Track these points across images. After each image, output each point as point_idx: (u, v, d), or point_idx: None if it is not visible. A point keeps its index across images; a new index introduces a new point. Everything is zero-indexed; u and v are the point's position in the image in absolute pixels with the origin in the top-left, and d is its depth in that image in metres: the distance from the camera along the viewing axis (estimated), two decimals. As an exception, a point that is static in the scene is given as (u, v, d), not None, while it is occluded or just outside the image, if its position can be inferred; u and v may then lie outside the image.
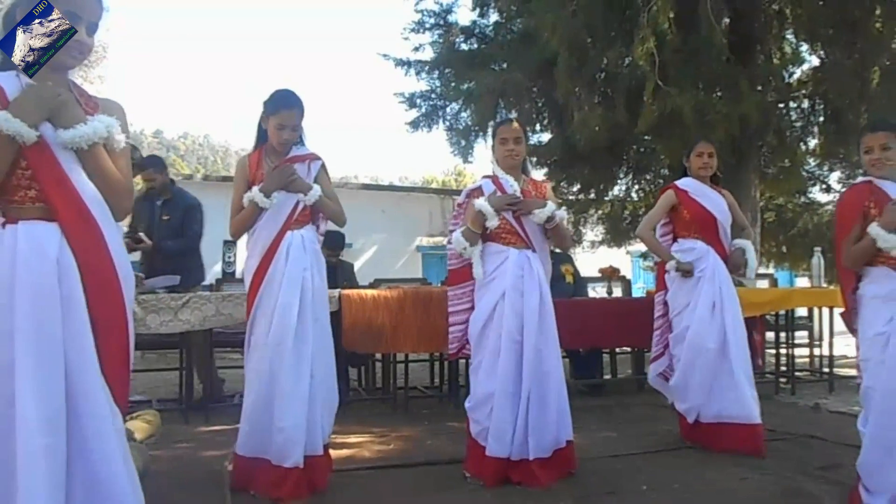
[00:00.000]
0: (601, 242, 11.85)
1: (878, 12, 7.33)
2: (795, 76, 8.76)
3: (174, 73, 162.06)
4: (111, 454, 1.85)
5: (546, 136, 9.77)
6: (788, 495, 3.04)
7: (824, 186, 10.88)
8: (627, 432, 4.32)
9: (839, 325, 3.72)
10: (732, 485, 3.21)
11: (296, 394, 2.95)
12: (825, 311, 6.04)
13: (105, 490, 1.84)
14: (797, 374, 6.10)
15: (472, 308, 3.39)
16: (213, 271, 6.12)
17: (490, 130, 7.14)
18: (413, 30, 9.70)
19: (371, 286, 5.55)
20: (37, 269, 1.82)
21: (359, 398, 5.51)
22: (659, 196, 4.20)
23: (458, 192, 11.53)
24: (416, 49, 9.84)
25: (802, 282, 13.36)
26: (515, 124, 3.44)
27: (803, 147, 8.98)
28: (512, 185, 3.37)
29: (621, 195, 10.82)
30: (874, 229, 2.71)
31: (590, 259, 10.29)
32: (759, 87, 7.65)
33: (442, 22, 9.69)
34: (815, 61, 8.68)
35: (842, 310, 3.03)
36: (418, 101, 9.83)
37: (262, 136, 3.21)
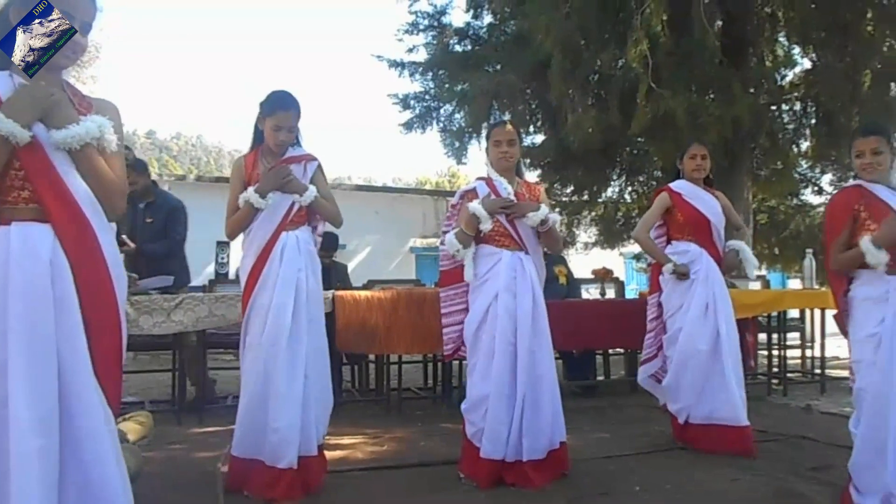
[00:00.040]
0: (594, 244, 11.87)
1: (869, 15, 7.38)
2: (788, 79, 8.81)
3: (167, 74, 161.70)
4: (104, 455, 1.85)
5: (539, 138, 9.79)
6: (780, 496, 3.05)
7: (816, 188, 10.93)
8: (620, 433, 4.33)
9: (831, 326, 3.74)
10: (724, 485, 3.23)
11: (290, 394, 2.95)
12: (817, 312, 6.07)
13: (97, 491, 1.83)
14: (789, 375, 6.13)
15: (467, 309, 3.39)
16: (206, 272, 6.12)
17: (484, 132, 7.16)
18: (407, 31, 9.70)
19: (364, 287, 5.55)
20: (30, 270, 1.82)
21: (352, 399, 5.51)
22: (653, 198, 4.21)
23: (451, 194, 11.53)
24: (410, 50, 9.86)
25: (794, 283, 13.41)
26: (509, 126, 3.45)
27: (795, 149, 9.01)
28: (506, 188, 3.38)
29: (614, 197, 10.85)
30: (865, 244, 2.70)
31: (583, 260, 10.31)
32: (752, 90, 7.69)
33: (436, 23, 9.68)
34: (808, 64, 8.75)
35: (834, 312, 3.04)
36: (412, 102, 9.83)
37: (258, 136, 3.21)
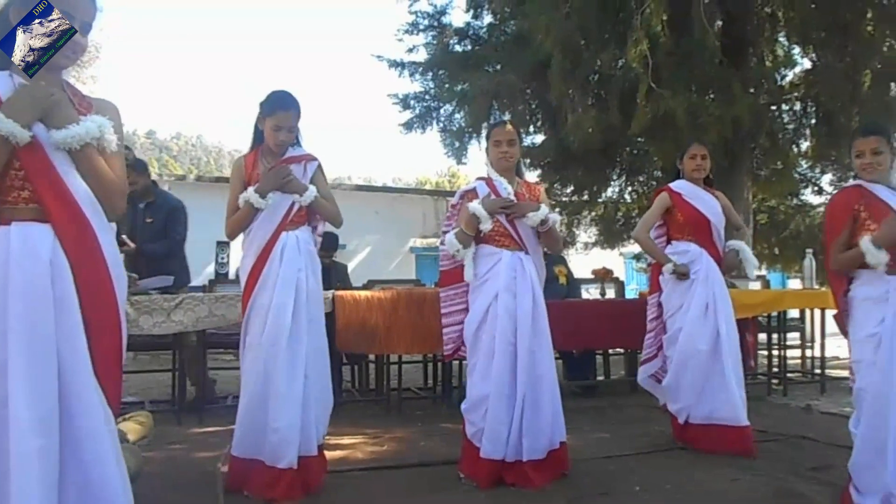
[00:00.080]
0: (594, 244, 11.87)
1: (869, 15, 7.38)
2: (788, 79, 8.81)
3: (167, 74, 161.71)
4: (104, 455, 1.85)
5: (539, 138, 9.79)
6: (780, 496, 3.05)
7: (816, 188, 10.93)
8: (620, 433, 4.33)
9: (831, 326, 3.74)
10: (724, 485, 3.23)
11: (290, 394, 2.95)
12: (817, 312, 6.07)
13: (97, 491, 1.83)
14: (789, 375, 6.13)
15: (467, 309, 3.39)
16: (206, 272, 6.12)
17: (484, 132, 7.15)
18: (407, 31, 9.70)
19: (364, 287, 5.55)
20: (30, 270, 1.82)
21: (352, 399, 5.51)
22: (653, 198, 4.21)
23: (451, 194, 11.53)
24: (410, 50, 9.86)
25: (794, 283, 13.41)
26: (509, 126, 3.45)
27: (795, 149, 9.01)
28: (506, 188, 3.38)
29: (614, 197, 10.85)
30: (865, 244, 2.70)
31: (583, 260, 10.31)
32: (752, 90, 7.69)
33: (436, 23, 9.68)
34: (808, 64, 8.75)
35: (834, 311, 3.04)
36: (412, 102, 9.83)
37: (258, 136, 3.21)
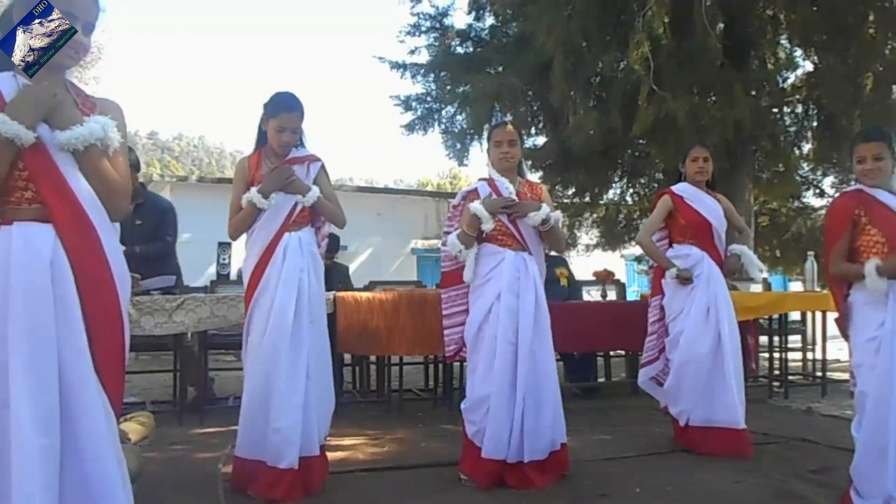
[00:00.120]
0: (596, 246, 11.88)
1: (871, 18, 7.38)
2: (789, 81, 8.82)
3: (169, 75, 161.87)
4: (104, 455, 1.85)
5: (541, 140, 9.80)
6: (781, 498, 3.05)
7: (818, 191, 10.91)
8: (621, 435, 4.33)
9: (832, 329, 3.74)
10: (725, 487, 3.23)
11: (291, 395, 2.95)
12: (818, 315, 6.06)
13: (96, 490, 1.83)
14: (790, 377, 6.12)
15: (469, 310, 3.39)
16: (208, 273, 6.12)
17: (485, 133, 7.16)
18: (409, 33, 9.70)
19: (366, 289, 5.55)
20: (30, 270, 1.82)
21: (353, 400, 5.51)
22: (655, 201, 4.21)
23: (453, 195, 11.54)
24: (412, 52, 9.84)
25: (796, 286, 13.39)
26: (510, 127, 3.45)
27: (797, 152, 9.01)
28: (507, 188, 3.38)
29: (616, 199, 10.84)
30: (870, 269, 2.70)
31: (584, 262, 10.31)
32: (754, 92, 7.69)
33: (438, 25, 9.69)
34: (809, 66, 8.74)
35: (835, 315, 3.05)
36: (414, 103, 9.83)
37: (261, 137, 3.21)
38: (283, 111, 3.08)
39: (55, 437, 1.78)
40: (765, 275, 8.42)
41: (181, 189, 15.75)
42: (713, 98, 7.39)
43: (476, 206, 3.27)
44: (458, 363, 4.93)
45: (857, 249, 2.88)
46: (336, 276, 6.12)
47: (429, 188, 32.42)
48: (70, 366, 1.82)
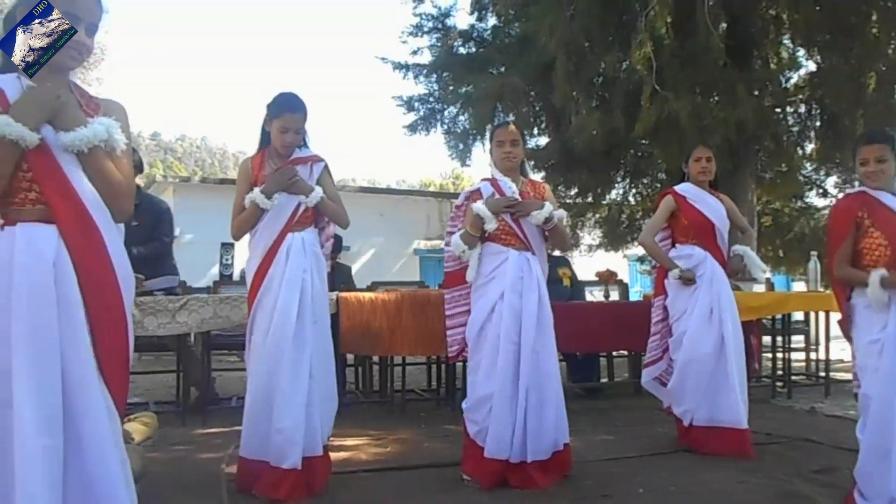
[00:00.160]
0: (598, 246, 11.88)
1: (874, 18, 7.36)
2: (792, 81, 8.80)
3: (172, 76, 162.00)
4: (108, 455, 1.85)
5: (543, 140, 9.80)
6: (784, 498, 3.05)
7: (821, 191, 10.90)
8: (624, 435, 4.32)
9: (835, 329, 3.73)
10: (728, 487, 3.22)
11: (294, 395, 2.96)
12: (821, 315, 6.05)
13: (101, 491, 1.83)
14: (793, 377, 6.11)
15: (471, 309, 3.39)
16: (211, 273, 6.13)
17: (488, 134, 7.16)
18: (411, 33, 9.71)
19: (368, 289, 5.55)
20: (33, 270, 1.82)
21: (356, 401, 5.51)
22: (657, 201, 4.21)
23: (455, 196, 11.54)
24: (415, 52, 9.87)
25: (799, 286, 13.39)
26: (512, 127, 3.45)
27: (800, 152, 9.00)
28: (510, 187, 3.38)
29: (618, 199, 10.84)
30: (874, 280, 2.71)
31: (587, 263, 10.31)
32: (756, 92, 7.68)
33: (440, 26, 9.70)
34: (812, 66, 8.72)
35: (838, 315, 3.04)
36: (416, 104, 9.84)
37: (265, 138, 3.22)
38: (287, 112, 3.08)
39: (58, 438, 1.78)
40: (768, 275, 8.44)
41: (184, 190, 15.79)
42: (716, 98, 7.38)
43: (479, 206, 3.27)
44: (460, 363, 4.93)
45: (860, 252, 2.88)
46: (339, 277, 6.12)
47: (431, 188, 32.47)
48: (73, 366, 1.82)
